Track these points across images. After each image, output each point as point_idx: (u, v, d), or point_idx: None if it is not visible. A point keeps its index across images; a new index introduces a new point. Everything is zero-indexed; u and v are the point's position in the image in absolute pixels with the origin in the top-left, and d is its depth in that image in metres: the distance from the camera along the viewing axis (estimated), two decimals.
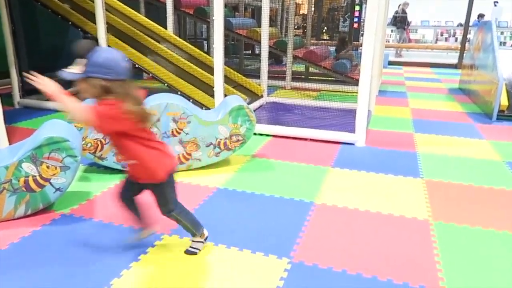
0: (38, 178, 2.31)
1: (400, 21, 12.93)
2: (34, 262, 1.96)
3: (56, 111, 4.96)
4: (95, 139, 2.93)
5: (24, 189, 2.30)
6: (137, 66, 4.92)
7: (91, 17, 4.66)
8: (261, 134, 4.07)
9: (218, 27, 3.84)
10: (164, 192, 1.90)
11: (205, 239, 2.07)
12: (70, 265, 1.93)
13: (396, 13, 12.99)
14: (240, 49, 8.23)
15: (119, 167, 3.02)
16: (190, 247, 2.06)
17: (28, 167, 2.28)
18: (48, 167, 2.31)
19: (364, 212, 2.54)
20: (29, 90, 5.21)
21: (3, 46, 4.90)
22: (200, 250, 2.05)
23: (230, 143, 3.18)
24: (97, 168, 3.10)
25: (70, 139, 2.37)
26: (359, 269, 1.94)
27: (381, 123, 4.77)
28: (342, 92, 6.18)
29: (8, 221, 2.31)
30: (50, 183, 2.34)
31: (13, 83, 5.11)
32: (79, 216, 2.42)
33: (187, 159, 3.11)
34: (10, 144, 3.15)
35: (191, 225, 2.01)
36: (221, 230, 2.28)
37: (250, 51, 10.74)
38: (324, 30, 10.65)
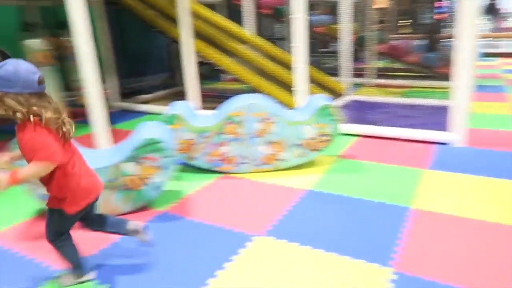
0: (138, 177, 2.45)
1: (491, 9, 11.78)
2: (138, 257, 2.08)
3: (149, 113, 5.28)
4: (186, 139, 3.04)
5: (127, 187, 2.45)
6: (216, 68, 5.06)
7: (176, 22, 4.87)
8: (347, 134, 3.93)
9: (298, 25, 3.77)
10: (52, 220, 1.77)
11: (84, 282, 1.88)
12: (169, 262, 2.01)
13: (488, 1, 11.85)
14: (317, 47, 8.09)
15: (208, 167, 3.11)
16: (63, 276, 1.89)
17: (130, 167, 2.43)
18: (147, 167, 2.44)
19: (468, 220, 2.30)
20: (124, 94, 5.62)
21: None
22: (69, 284, 1.87)
23: (316, 143, 3.11)
24: (189, 167, 3.20)
25: (165, 139, 2.48)
26: (471, 285, 1.76)
27: (478, 120, 4.34)
28: (431, 88, 5.76)
29: (118, 216, 2.49)
30: (149, 182, 2.47)
31: (113, 87, 5.54)
32: (176, 214, 2.52)
33: (274, 160, 3.10)
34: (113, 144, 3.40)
35: (71, 261, 1.85)
36: (316, 233, 2.22)
37: (326, 49, 10.52)
38: (406, 23, 10.06)
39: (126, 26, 6.44)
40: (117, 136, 4.03)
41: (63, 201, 1.69)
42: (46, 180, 1.66)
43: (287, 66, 5.25)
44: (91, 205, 1.81)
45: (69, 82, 5.04)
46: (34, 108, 1.52)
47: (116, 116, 5.11)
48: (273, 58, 5.54)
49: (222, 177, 3.08)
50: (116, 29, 6.05)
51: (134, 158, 2.42)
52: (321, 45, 8.78)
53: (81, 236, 2.29)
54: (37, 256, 2.11)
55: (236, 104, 3.04)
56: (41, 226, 2.42)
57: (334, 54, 6.23)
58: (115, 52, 5.66)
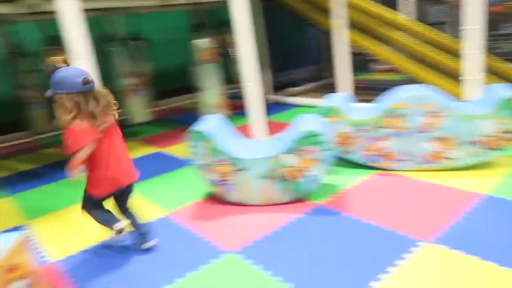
0: (297, 169, 2.46)
1: None
2: (299, 246, 2.09)
3: (299, 106, 5.35)
4: (342, 132, 2.94)
5: (286, 178, 2.49)
6: (368, 58, 4.80)
7: (328, 13, 4.77)
8: None
9: (474, 5, 3.27)
10: (86, 199, 2.15)
11: (120, 231, 2.16)
12: (329, 258, 1.96)
13: None
14: (490, 29, 6.99)
15: (364, 162, 2.96)
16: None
17: (289, 158, 2.46)
18: (305, 159, 2.44)
19: None
20: (277, 87, 5.81)
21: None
22: (114, 242, 2.27)
23: (497, 141, 2.65)
24: (344, 161, 3.09)
25: (324, 132, 2.43)
26: None
27: None
28: None
29: (277, 205, 2.58)
30: (307, 174, 2.47)
31: (266, 80, 5.79)
32: (332, 208, 2.47)
33: (441, 158, 2.77)
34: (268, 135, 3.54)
35: (102, 223, 2.18)
36: (502, 248, 1.88)
37: (496, 31, 9.05)
38: None
39: (277, 21, 6.63)
40: (271, 127, 4.18)
41: (92, 186, 2.07)
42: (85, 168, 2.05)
43: (450, 52, 4.67)
44: (120, 192, 2.13)
45: (231, 76, 5.45)
46: (75, 107, 1.90)
47: (269, 108, 5.31)
48: (434, 45, 4.98)
49: (379, 173, 2.89)
50: (269, 24, 6.28)
51: (293, 150, 2.44)
52: (492, 27, 7.56)
53: (244, 221, 2.43)
54: (205, 236, 2.31)
55: (399, 96, 2.81)
56: (209, 208, 2.67)
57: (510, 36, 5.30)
58: (271, 46, 5.88)
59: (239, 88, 5.42)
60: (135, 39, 5.00)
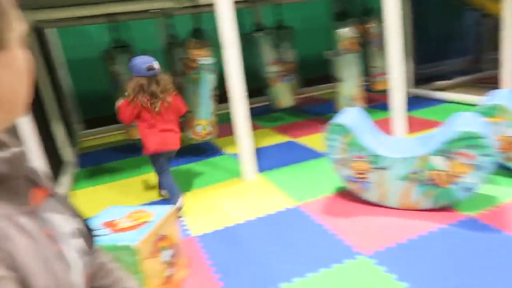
0: (447, 173, 2.18)
1: None
2: (441, 261, 1.85)
3: (446, 101, 4.81)
4: (507, 136, 2.51)
5: (432, 183, 2.23)
6: None
7: None
8: None
9: None
10: (152, 162, 2.72)
11: (179, 208, 2.61)
12: (477, 279, 1.69)
13: None
14: None
15: None
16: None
17: (438, 161, 2.19)
18: (459, 163, 2.14)
19: None
20: (419, 80, 5.31)
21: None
22: (178, 205, 2.61)
23: None
24: (505, 170, 2.64)
25: (485, 135, 2.09)
26: None
27: None
28: None
29: (417, 211, 2.34)
30: (460, 181, 2.17)
31: (408, 73, 5.34)
32: (486, 223, 2.13)
33: None
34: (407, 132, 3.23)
35: (167, 188, 2.71)
36: None
37: None
38: None
39: (425, 5, 6.00)
40: (411, 124, 3.83)
41: (145, 147, 2.62)
42: (138, 132, 2.67)
43: None
44: (165, 155, 2.68)
45: (368, 68, 5.15)
46: (139, 87, 2.49)
47: (409, 103, 4.88)
48: None
49: None
50: (415, 8, 5.72)
51: (445, 152, 2.16)
52: None
53: (379, 223, 2.26)
54: (338, 233, 2.22)
55: None
56: (342, 204, 2.56)
57: None
58: (417, 35, 5.39)
59: (374, 81, 5.10)
60: (280, 28, 5.10)
